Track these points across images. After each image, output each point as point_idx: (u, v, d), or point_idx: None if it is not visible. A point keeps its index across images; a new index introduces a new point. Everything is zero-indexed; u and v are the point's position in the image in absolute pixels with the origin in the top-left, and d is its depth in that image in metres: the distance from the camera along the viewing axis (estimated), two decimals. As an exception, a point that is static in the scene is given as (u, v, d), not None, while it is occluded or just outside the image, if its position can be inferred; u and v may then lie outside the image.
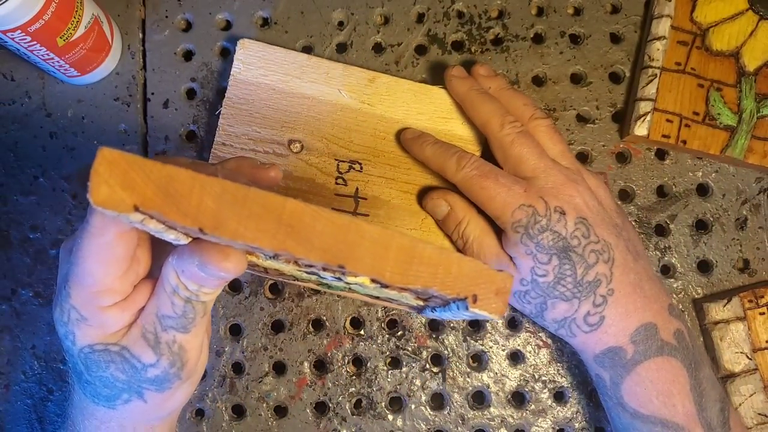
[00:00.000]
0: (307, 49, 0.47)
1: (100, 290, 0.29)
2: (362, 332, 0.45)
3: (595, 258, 0.39)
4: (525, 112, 0.42)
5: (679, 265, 0.46)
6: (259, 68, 0.44)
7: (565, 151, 0.42)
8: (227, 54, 0.47)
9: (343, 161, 0.45)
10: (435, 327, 0.46)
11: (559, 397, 0.45)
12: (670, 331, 0.39)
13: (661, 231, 0.47)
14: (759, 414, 0.43)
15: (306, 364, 0.45)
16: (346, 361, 0.45)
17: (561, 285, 0.39)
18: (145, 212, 0.27)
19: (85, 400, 0.33)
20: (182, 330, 0.30)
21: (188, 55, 0.48)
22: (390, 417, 0.45)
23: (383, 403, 0.45)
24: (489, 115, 0.42)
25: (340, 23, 0.48)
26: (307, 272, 0.33)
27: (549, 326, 0.41)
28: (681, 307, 0.46)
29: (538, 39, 0.48)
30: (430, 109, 0.45)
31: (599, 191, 0.41)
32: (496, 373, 0.45)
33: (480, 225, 0.42)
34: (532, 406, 0.45)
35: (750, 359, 0.44)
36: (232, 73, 0.44)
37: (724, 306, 0.44)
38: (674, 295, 0.46)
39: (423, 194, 0.45)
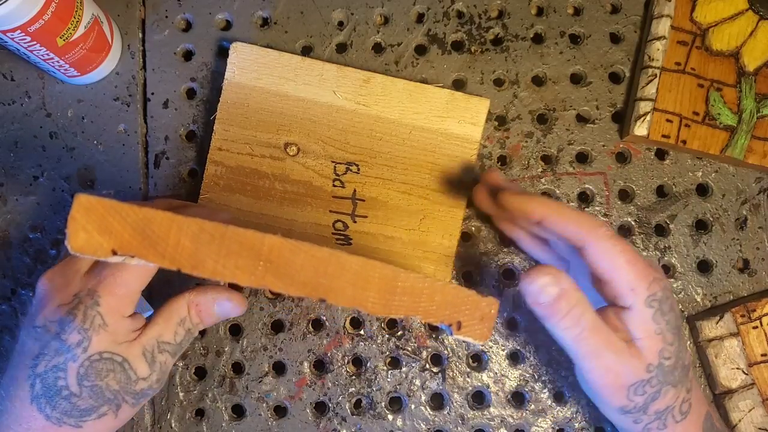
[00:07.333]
0: (307, 50, 0.47)
1: (129, 300, 0.33)
2: (362, 332, 0.45)
3: (685, 339, 0.37)
4: None
5: (678, 265, 0.46)
6: (253, 71, 0.44)
7: None
8: (227, 54, 0.47)
9: (340, 163, 0.45)
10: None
11: (558, 397, 0.45)
12: (715, 416, 0.38)
13: (661, 231, 0.47)
14: (759, 429, 0.43)
15: (306, 364, 0.45)
16: (346, 361, 0.45)
17: (677, 369, 0.35)
18: (124, 255, 0.28)
19: (38, 421, 0.32)
20: (173, 355, 0.35)
21: (188, 55, 0.48)
22: (390, 417, 0.45)
23: (383, 403, 0.45)
24: (586, 220, 0.35)
25: (340, 23, 0.48)
26: None
27: (643, 419, 0.35)
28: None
29: (538, 39, 0.48)
30: (426, 108, 0.45)
31: None
32: (496, 373, 0.45)
33: (591, 308, 0.34)
34: (532, 406, 0.45)
35: (746, 374, 0.44)
36: (225, 77, 0.44)
37: (717, 323, 0.44)
38: (674, 296, 0.46)
39: (422, 194, 0.45)
